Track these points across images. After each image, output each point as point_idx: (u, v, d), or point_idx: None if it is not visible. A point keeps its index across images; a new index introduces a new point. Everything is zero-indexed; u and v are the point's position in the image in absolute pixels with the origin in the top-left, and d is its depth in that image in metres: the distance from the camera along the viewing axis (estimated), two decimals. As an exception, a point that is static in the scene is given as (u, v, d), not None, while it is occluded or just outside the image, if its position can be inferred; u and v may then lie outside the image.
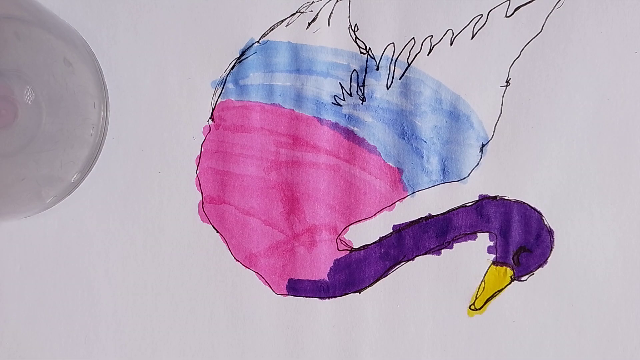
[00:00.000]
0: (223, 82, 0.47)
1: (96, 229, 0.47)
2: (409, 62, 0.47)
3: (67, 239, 0.47)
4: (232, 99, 0.48)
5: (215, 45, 0.47)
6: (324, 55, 0.47)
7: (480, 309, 0.48)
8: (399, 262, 0.48)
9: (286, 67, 0.47)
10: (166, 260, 0.47)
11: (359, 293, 0.48)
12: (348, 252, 0.48)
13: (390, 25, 0.47)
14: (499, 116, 0.48)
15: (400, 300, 0.48)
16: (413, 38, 0.47)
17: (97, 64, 0.46)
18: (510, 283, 0.48)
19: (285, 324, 0.48)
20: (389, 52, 0.47)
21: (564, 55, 0.48)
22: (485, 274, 0.48)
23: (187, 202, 0.47)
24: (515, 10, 0.48)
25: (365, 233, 0.48)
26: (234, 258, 0.48)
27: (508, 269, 0.48)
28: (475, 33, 0.48)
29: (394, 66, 0.47)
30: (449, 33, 0.47)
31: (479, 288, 0.48)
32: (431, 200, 0.48)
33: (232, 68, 0.47)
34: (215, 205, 0.48)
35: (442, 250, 0.48)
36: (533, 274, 0.48)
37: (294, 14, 0.47)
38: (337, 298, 0.48)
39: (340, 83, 0.48)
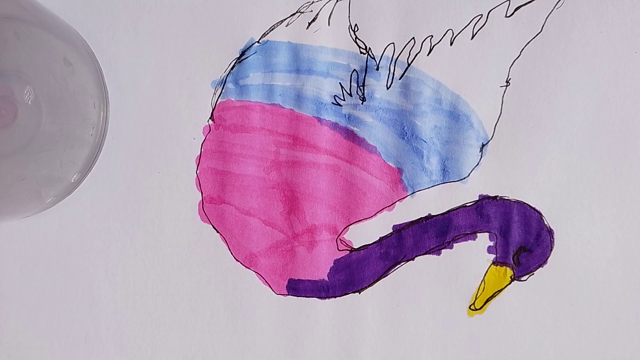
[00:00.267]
0: (223, 82, 0.47)
1: (96, 229, 0.47)
2: (409, 62, 0.47)
3: (67, 239, 0.47)
4: (232, 99, 0.48)
5: (215, 45, 0.47)
6: (324, 55, 0.47)
7: (480, 309, 0.48)
8: (399, 262, 0.48)
9: (286, 67, 0.47)
10: (166, 260, 0.47)
11: (359, 293, 0.48)
12: (348, 252, 0.48)
13: (390, 25, 0.47)
14: (499, 116, 0.48)
15: (400, 300, 0.48)
16: (413, 38, 0.47)
17: (97, 64, 0.46)
18: (510, 283, 0.48)
19: (285, 324, 0.48)
20: (389, 52, 0.47)
21: (564, 55, 0.48)
22: (485, 274, 0.48)
23: (187, 202, 0.47)
24: (515, 10, 0.48)
25: (365, 233, 0.48)
26: (234, 258, 0.48)
27: (508, 269, 0.48)
28: (475, 33, 0.48)
29: (394, 66, 0.47)
30: (449, 33, 0.47)
31: (479, 288, 0.48)
32: (431, 200, 0.48)
33: (232, 68, 0.47)
34: (215, 205, 0.48)
35: (442, 250, 0.48)
36: (533, 274, 0.48)
37: (294, 14, 0.47)
38: (337, 298, 0.48)
39: (340, 83, 0.48)
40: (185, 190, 0.47)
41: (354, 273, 0.48)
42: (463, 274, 0.48)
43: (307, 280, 0.48)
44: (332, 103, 0.48)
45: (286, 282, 0.48)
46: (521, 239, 0.48)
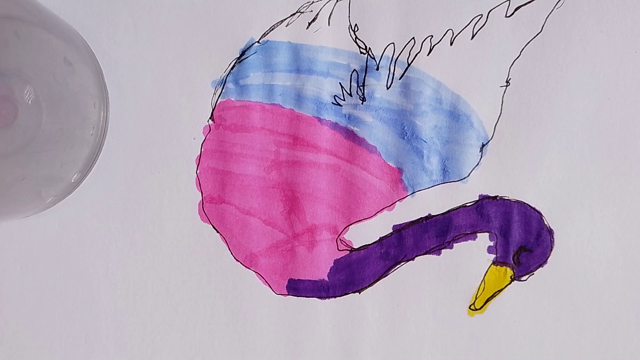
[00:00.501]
0: (223, 82, 0.47)
1: (96, 229, 0.47)
2: (409, 62, 0.47)
3: (67, 239, 0.47)
4: (232, 99, 0.48)
5: (215, 45, 0.47)
6: (324, 55, 0.47)
7: (480, 308, 0.48)
8: (399, 262, 0.48)
9: (286, 67, 0.47)
10: (166, 260, 0.47)
11: (359, 293, 0.48)
12: (348, 252, 0.48)
13: (390, 25, 0.47)
14: (499, 116, 0.48)
15: (400, 300, 0.48)
16: (413, 38, 0.47)
17: (97, 64, 0.46)
18: (510, 283, 0.48)
19: (285, 324, 0.48)
20: (389, 52, 0.47)
21: (564, 55, 0.48)
22: (485, 274, 0.48)
23: (187, 202, 0.47)
24: (515, 10, 0.48)
25: (366, 233, 0.48)
26: (234, 258, 0.48)
27: (508, 268, 0.48)
28: (475, 33, 0.48)
29: (394, 66, 0.47)
30: (449, 33, 0.47)
31: (479, 288, 0.48)
32: (431, 200, 0.48)
33: (232, 68, 0.47)
34: (215, 205, 0.48)
35: (442, 250, 0.48)
36: (533, 273, 0.48)
37: (294, 14, 0.47)
38: (337, 298, 0.48)
39: (340, 83, 0.48)
40: (185, 190, 0.47)
41: (354, 273, 0.48)
42: (463, 274, 0.48)
43: (307, 280, 0.48)
44: (332, 103, 0.48)
45: (286, 282, 0.48)
46: (521, 239, 0.48)
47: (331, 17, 0.47)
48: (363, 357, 0.48)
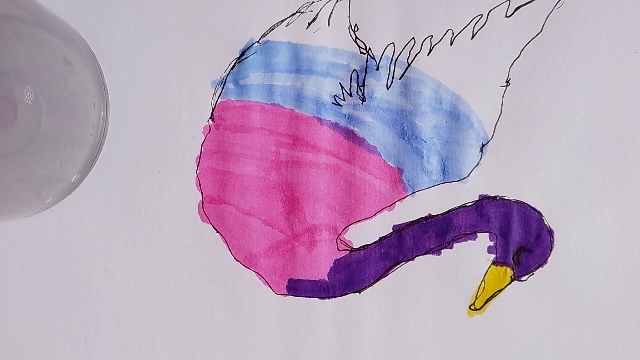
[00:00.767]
0: (223, 82, 0.47)
1: (96, 229, 0.47)
2: (409, 62, 0.47)
3: (67, 239, 0.47)
4: (232, 99, 0.48)
5: (215, 45, 0.47)
6: (324, 55, 0.47)
7: (480, 309, 0.48)
8: (399, 262, 0.48)
9: (286, 67, 0.47)
10: (166, 260, 0.47)
11: (359, 293, 0.48)
12: (348, 252, 0.48)
13: (390, 25, 0.47)
14: (499, 116, 0.48)
15: (400, 300, 0.48)
16: (413, 38, 0.47)
17: (97, 64, 0.46)
18: (510, 283, 0.48)
19: (285, 324, 0.48)
20: (389, 52, 0.47)
21: (564, 55, 0.48)
22: (485, 274, 0.48)
23: (187, 202, 0.47)
24: (515, 10, 0.48)
25: (365, 233, 0.48)
26: (234, 258, 0.48)
27: (508, 269, 0.48)
28: (475, 33, 0.48)
29: (394, 66, 0.47)
30: (449, 33, 0.47)
31: (479, 288, 0.48)
32: (431, 200, 0.48)
33: (232, 68, 0.47)
34: (215, 205, 0.48)
35: (442, 250, 0.48)
36: (533, 274, 0.48)
37: (294, 14, 0.47)
38: (337, 298, 0.48)
39: (340, 83, 0.48)
40: (185, 190, 0.47)
41: (354, 273, 0.48)
42: (463, 274, 0.48)
43: (307, 280, 0.48)
44: (332, 103, 0.48)
45: (286, 282, 0.48)
46: (521, 239, 0.48)
47: (331, 17, 0.47)
48: (363, 357, 0.48)
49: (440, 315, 0.48)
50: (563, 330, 0.48)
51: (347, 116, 0.48)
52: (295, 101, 0.48)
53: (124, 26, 0.47)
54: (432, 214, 0.48)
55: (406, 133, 0.48)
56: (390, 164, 0.48)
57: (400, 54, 0.47)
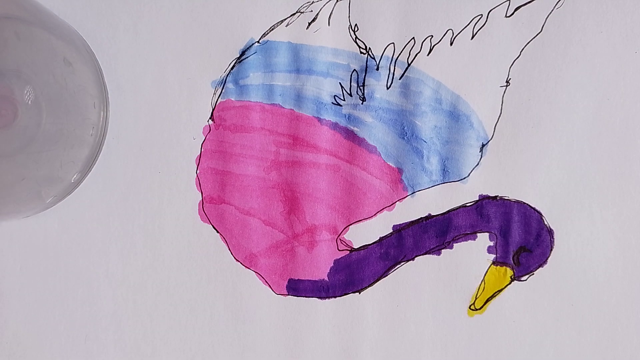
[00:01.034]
0: (223, 82, 0.47)
1: (96, 229, 0.47)
2: (409, 62, 0.47)
3: (67, 239, 0.47)
4: (232, 99, 0.48)
5: (215, 45, 0.47)
6: (324, 55, 0.47)
7: (480, 309, 0.48)
8: (399, 262, 0.48)
9: (286, 67, 0.47)
10: (166, 260, 0.47)
11: (359, 293, 0.48)
12: (348, 252, 0.48)
13: (390, 25, 0.47)
14: (499, 116, 0.48)
15: (400, 300, 0.48)
16: (413, 38, 0.47)
17: (97, 64, 0.46)
18: (510, 283, 0.48)
19: (285, 324, 0.48)
20: (389, 52, 0.47)
21: (564, 55, 0.48)
22: (485, 274, 0.48)
23: (187, 202, 0.47)
24: (515, 10, 0.48)
25: (365, 233, 0.48)
26: (234, 258, 0.48)
27: (508, 269, 0.48)
28: (475, 33, 0.48)
29: (394, 66, 0.47)
30: (449, 33, 0.47)
31: (479, 288, 0.48)
32: (431, 200, 0.48)
33: (232, 68, 0.47)
34: (215, 205, 0.48)
35: (442, 250, 0.48)
36: (533, 274, 0.48)
37: (294, 14, 0.47)
38: (337, 298, 0.48)
39: (340, 83, 0.48)
40: (185, 190, 0.47)
41: (354, 273, 0.48)
42: (463, 274, 0.48)
43: (307, 280, 0.48)
44: (332, 103, 0.48)
45: (286, 282, 0.48)
46: (521, 239, 0.48)
47: (331, 17, 0.47)
48: (363, 357, 0.48)
49: (440, 315, 0.48)
50: (563, 330, 0.48)
51: (347, 116, 0.48)
52: (295, 101, 0.48)
53: (124, 26, 0.47)
54: (432, 214, 0.48)
55: (406, 133, 0.48)
56: (390, 164, 0.48)
57: (400, 54, 0.47)
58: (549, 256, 0.48)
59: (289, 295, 0.48)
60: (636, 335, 0.49)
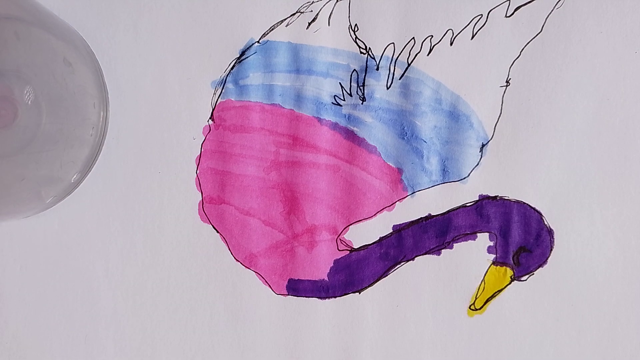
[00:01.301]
0: (223, 82, 0.47)
1: (96, 229, 0.47)
2: (409, 62, 0.47)
3: (67, 239, 0.47)
4: (232, 99, 0.48)
5: (215, 45, 0.47)
6: (324, 55, 0.47)
7: (480, 309, 0.48)
8: (399, 262, 0.48)
9: (286, 67, 0.47)
10: (166, 260, 0.47)
11: (359, 293, 0.48)
12: (348, 252, 0.48)
13: (390, 25, 0.47)
14: (499, 116, 0.48)
15: (400, 300, 0.48)
16: (413, 38, 0.47)
17: (97, 64, 0.46)
18: (510, 283, 0.48)
19: (285, 324, 0.48)
20: (389, 52, 0.47)
21: (564, 55, 0.48)
22: (485, 274, 0.48)
23: (187, 202, 0.47)
24: (515, 10, 0.48)
25: (365, 233, 0.48)
26: (234, 258, 0.48)
27: (508, 269, 0.48)
28: (475, 33, 0.48)
29: (394, 66, 0.47)
30: (449, 33, 0.47)
31: (479, 288, 0.48)
32: (431, 200, 0.48)
33: (232, 68, 0.47)
34: (215, 205, 0.48)
35: (442, 250, 0.48)
36: (533, 274, 0.48)
37: (294, 14, 0.47)
38: (337, 298, 0.48)
39: (340, 83, 0.48)
40: (185, 190, 0.47)
41: (354, 273, 0.48)
42: (463, 274, 0.48)
43: (307, 280, 0.48)
44: (332, 103, 0.48)
45: (286, 282, 0.48)
46: (521, 239, 0.48)
47: (331, 17, 0.47)
48: (363, 357, 0.48)
49: (440, 315, 0.48)
50: (563, 330, 0.48)
51: (347, 116, 0.48)
52: (295, 101, 0.48)
53: (124, 26, 0.47)
54: (432, 214, 0.48)
55: (406, 133, 0.48)
56: (390, 164, 0.48)
57: (400, 54, 0.47)
58: (548, 256, 0.48)
59: (289, 295, 0.48)
60: (636, 335, 0.49)
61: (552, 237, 0.48)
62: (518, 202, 0.48)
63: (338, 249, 0.48)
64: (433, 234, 0.48)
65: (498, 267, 0.48)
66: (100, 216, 0.47)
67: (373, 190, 0.48)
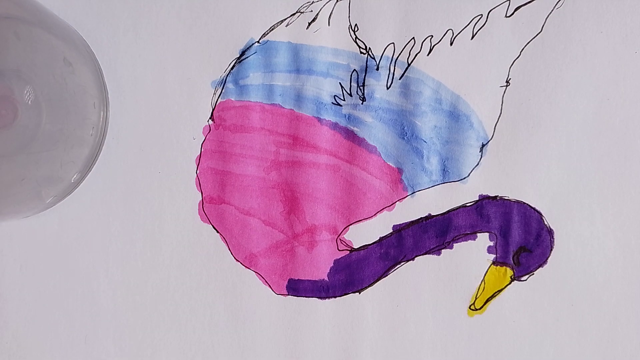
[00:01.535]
0: (223, 82, 0.47)
1: (96, 229, 0.47)
2: (409, 62, 0.47)
3: (67, 239, 0.47)
4: (232, 99, 0.48)
5: (215, 45, 0.47)
6: (324, 55, 0.47)
7: (480, 309, 0.48)
8: (399, 262, 0.48)
9: (286, 67, 0.47)
10: (166, 260, 0.47)
11: (359, 293, 0.48)
12: (348, 252, 0.48)
13: (390, 25, 0.47)
14: (499, 116, 0.48)
15: (400, 300, 0.48)
16: (413, 38, 0.47)
17: (97, 64, 0.46)
18: (510, 283, 0.48)
19: (285, 324, 0.48)
20: (389, 52, 0.47)
21: (564, 55, 0.48)
22: (485, 274, 0.48)
23: (187, 202, 0.47)
24: (515, 10, 0.48)
25: (365, 233, 0.48)
26: (234, 258, 0.48)
27: (508, 269, 0.48)
28: (475, 33, 0.48)
29: (394, 66, 0.47)
30: (449, 33, 0.47)
31: (479, 288, 0.48)
32: (431, 200, 0.48)
33: (232, 68, 0.47)
34: (215, 205, 0.48)
35: (442, 250, 0.48)
36: (533, 274, 0.48)
37: (294, 14, 0.47)
38: (337, 298, 0.48)
39: (340, 83, 0.48)
40: (185, 190, 0.47)
41: (354, 273, 0.48)
42: (463, 274, 0.48)
43: (307, 280, 0.48)
44: (332, 103, 0.48)
45: (286, 282, 0.48)
46: (521, 239, 0.48)
47: (331, 17, 0.47)
48: (363, 357, 0.48)
49: (440, 315, 0.48)
50: (563, 330, 0.48)
51: (347, 116, 0.48)
52: (295, 101, 0.48)
53: (124, 26, 0.47)
54: (432, 214, 0.48)
55: (406, 133, 0.48)
56: (390, 164, 0.48)
57: (400, 54, 0.47)
58: (549, 256, 0.48)
59: (289, 295, 0.48)
60: (636, 335, 0.49)
61: (552, 237, 0.48)
62: (518, 202, 0.48)
63: (338, 249, 0.48)
64: (433, 234, 0.48)
65: (498, 267, 0.48)
66: (100, 216, 0.47)
67: (373, 190, 0.48)
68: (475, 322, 0.48)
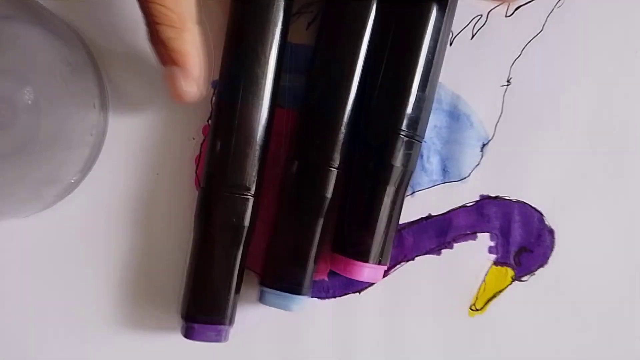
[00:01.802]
0: (223, 82, 0.47)
1: (96, 229, 0.47)
2: (409, 62, 0.47)
3: (67, 239, 0.47)
4: (232, 99, 0.47)
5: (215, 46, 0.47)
6: (324, 55, 0.47)
7: (481, 309, 0.48)
8: (399, 262, 0.48)
9: (286, 67, 0.47)
10: (166, 260, 0.47)
11: (359, 293, 0.48)
12: (348, 252, 0.48)
13: (390, 25, 0.47)
14: (500, 116, 0.48)
15: (400, 300, 0.48)
16: (413, 38, 0.47)
17: (97, 64, 0.46)
18: (511, 283, 0.48)
19: (286, 324, 0.48)
20: (389, 52, 0.47)
21: (564, 55, 0.48)
22: (486, 274, 0.48)
23: (187, 202, 0.47)
24: (515, 10, 0.48)
25: (366, 233, 0.48)
26: (234, 258, 0.48)
27: (509, 269, 0.48)
28: (475, 33, 0.48)
29: (394, 66, 0.47)
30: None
31: (480, 288, 0.48)
32: (431, 200, 0.48)
33: (232, 68, 0.47)
34: (215, 205, 0.48)
35: (442, 250, 0.48)
36: (534, 274, 0.48)
37: (294, 14, 0.47)
38: (337, 298, 0.48)
39: (340, 83, 0.47)
40: (185, 190, 0.47)
41: (354, 273, 0.48)
42: (463, 274, 0.48)
43: (307, 280, 0.48)
44: (332, 103, 0.47)
45: (286, 282, 0.48)
46: (522, 239, 0.48)
47: (331, 17, 0.47)
48: (363, 357, 0.48)
49: (440, 315, 0.48)
50: (563, 330, 0.48)
51: (347, 116, 0.48)
52: (295, 101, 0.47)
53: (124, 26, 0.47)
54: (432, 214, 0.48)
55: (406, 133, 0.48)
56: (391, 164, 0.48)
57: (400, 54, 0.47)
58: (549, 256, 0.48)
59: (289, 295, 0.48)
60: (636, 335, 0.49)
61: (553, 237, 0.48)
62: (519, 201, 0.48)
63: (338, 249, 0.48)
64: (433, 234, 0.48)
65: (499, 267, 0.48)
66: (100, 216, 0.47)
67: (373, 190, 0.48)
68: (476, 322, 0.48)
